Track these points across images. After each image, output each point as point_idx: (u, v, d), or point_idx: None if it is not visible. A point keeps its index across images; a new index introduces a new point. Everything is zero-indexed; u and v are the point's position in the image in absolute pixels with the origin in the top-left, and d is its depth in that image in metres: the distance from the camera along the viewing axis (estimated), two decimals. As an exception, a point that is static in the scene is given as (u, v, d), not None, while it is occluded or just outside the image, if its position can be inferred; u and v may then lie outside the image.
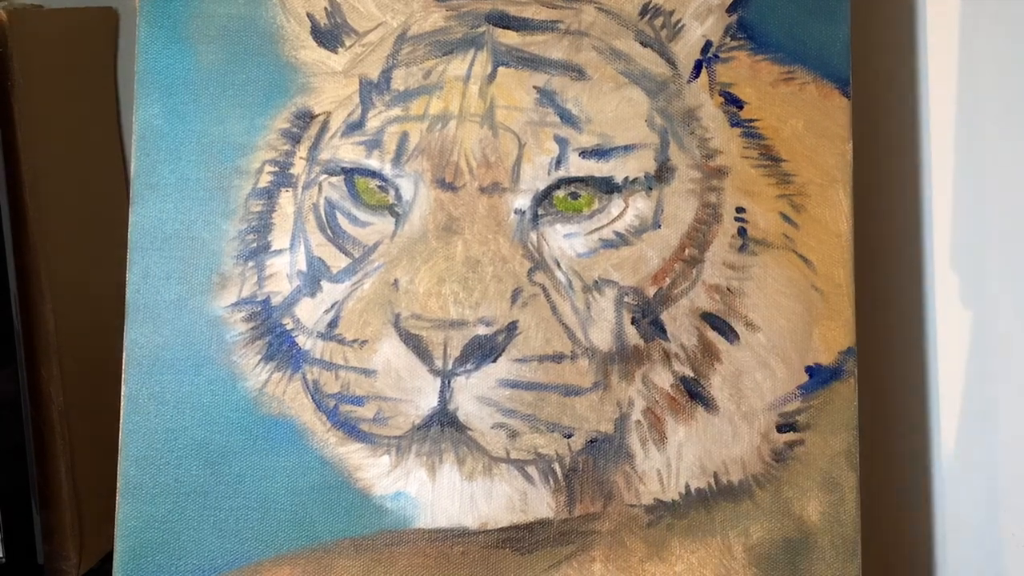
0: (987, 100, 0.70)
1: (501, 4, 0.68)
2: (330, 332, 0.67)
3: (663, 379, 0.67)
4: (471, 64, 0.68)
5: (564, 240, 0.67)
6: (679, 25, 0.68)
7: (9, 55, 0.81)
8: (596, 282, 0.67)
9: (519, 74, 0.67)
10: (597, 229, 0.67)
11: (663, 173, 0.67)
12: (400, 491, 0.67)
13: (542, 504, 0.67)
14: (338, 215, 0.67)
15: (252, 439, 0.67)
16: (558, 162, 0.66)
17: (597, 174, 0.67)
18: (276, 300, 0.68)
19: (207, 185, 0.68)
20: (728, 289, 0.67)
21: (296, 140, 0.68)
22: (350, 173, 0.67)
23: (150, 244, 0.68)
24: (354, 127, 0.68)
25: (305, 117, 0.68)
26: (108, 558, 0.72)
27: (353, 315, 0.66)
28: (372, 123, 0.68)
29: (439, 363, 0.65)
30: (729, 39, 0.69)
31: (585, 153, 0.67)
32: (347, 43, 0.69)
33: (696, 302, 0.67)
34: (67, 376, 0.84)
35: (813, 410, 0.67)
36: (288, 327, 0.67)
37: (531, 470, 0.66)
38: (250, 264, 0.68)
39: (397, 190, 0.67)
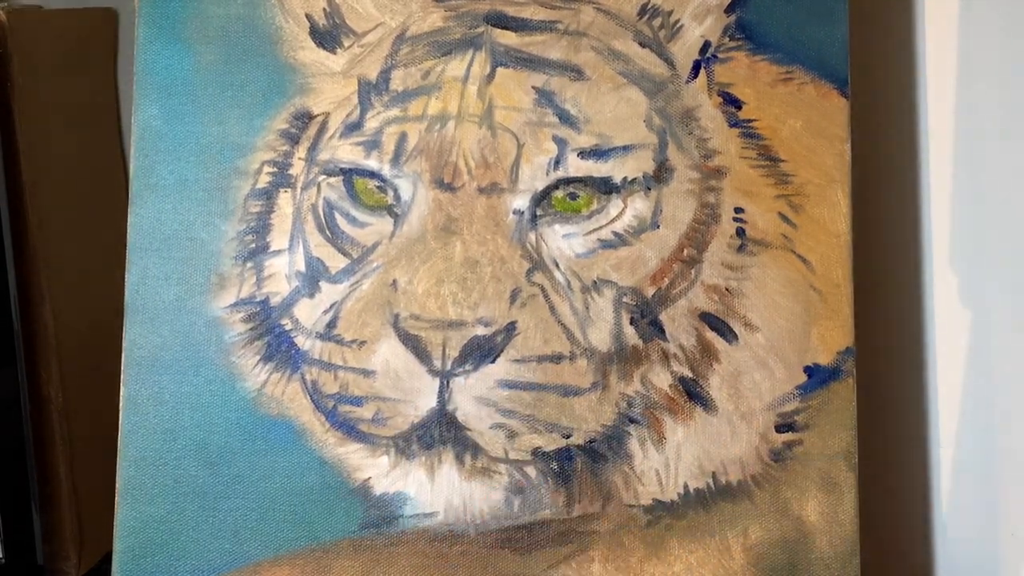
0: (986, 100, 0.70)
1: (499, 4, 0.68)
2: (329, 332, 0.67)
3: (662, 379, 0.67)
4: (470, 64, 0.68)
5: (563, 240, 0.67)
6: (677, 25, 0.68)
7: (9, 55, 0.81)
8: (595, 282, 0.67)
9: (518, 74, 0.67)
10: (596, 229, 0.67)
11: (661, 173, 0.67)
12: (399, 491, 0.67)
13: (541, 504, 0.67)
14: (337, 216, 0.67)
15: (251, 439, 0.67)
16: (556, 162, 0.66)
17: (596, 174, 0.67)
18: (275, 301, 0.68)
19: (206, 186, 0.68)
20: (727, 289, 0.67)
21: (295, 141, 0.68)
22: (349, 174, 0.67)
23: (149, 245, 0.68)
24: (353, 128, 0.68)
25: (304, 118, 0.68)
26: (108, 558, 0.72)
27: (352, 315, 0.66)
28: (371, 124, 0.68)
29: (438, 363, 0.65)
30: (727, 39, 0.69)
31: (583, 153, 0.67)
32: (346, 44, 0.69)
33: (695, 302, 0.67)
34: (67, 376, 0.84)
35: (812, 410, 0.67)
36: (287, 327, 0.67)
37: (530, 470, 0.67)
38: (249, 265, 0.68)
39: (396, 191, 0.67)
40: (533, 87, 0.67)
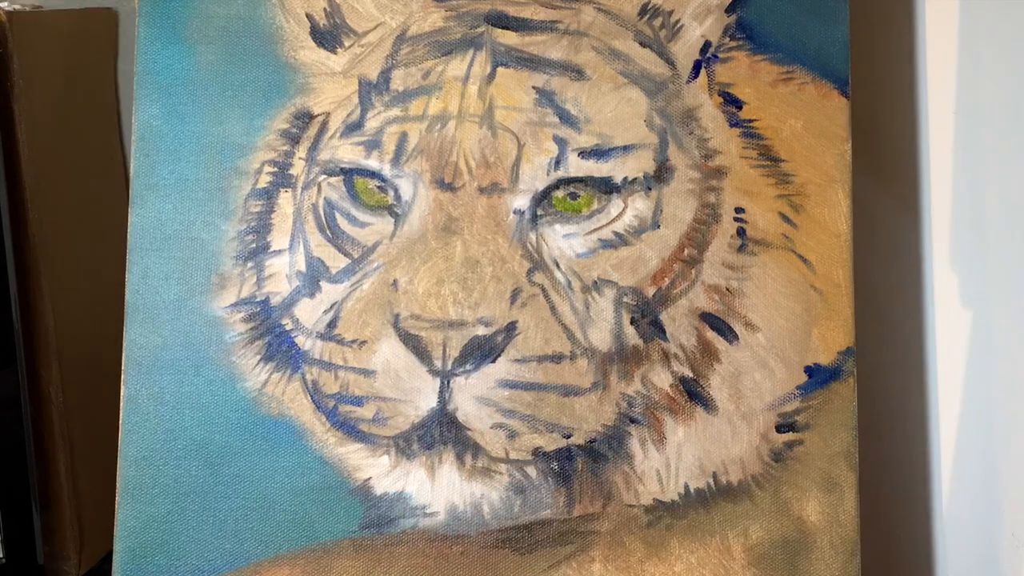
0: (986, 100, 0.70)
1: (500, 4, 0.68)
2: (329, 332, 0.67)
3: (662, 379, 0.67)
4: (470, 64, 0.68)
5: (563, 240, 0.67)
6: (678, 25, 0.68)
7: (9, 55, 0.81)
8: (595, 282, 0.67)
9: (518, 74, 0.67)
10: (596, 229, 0.67)
11: (662, 173, 0.67)
12: (400, 491, 0.67)
13: (541, 504, 0.67)
14: (337, 215, 0.67)
15: (251, 439, 0.67)
16: (557, 162, 0.66)
17: (596, 174, 0.67)
18: (275, 300, 0.68)
19: (206, 186, 0.68)
20: (727, 289, 0.67)
21: (295, 141, 0.68)
22: (349, 173, 0.67)
23: (149, 244, 0.68)
24: (353, 127, 0.68)
25: (304, 118, 0.68)
26: (108, 558, 0.72)
27: (352, 315, 0.66)
28: (371, 123, 0.68)
29: (438, 363, 0.65)
30: (728, 39, 0.69)
31: (584, 153, 0.67)
32: (346, 43, 0.69)
33: (695, 302, 0.67)
34: (67, 376, 0.84)
35: (812, 410, 0.67)
36: (287, 327, 0.67)
37: (530, 470, 0.67)
38: (249, 264, 0.68)
39: (396, 190, 0.67)
40: (533, 87, 0.67)
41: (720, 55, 0.68)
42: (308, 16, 0.69)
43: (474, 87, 0.67)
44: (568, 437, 0.66)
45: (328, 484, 0.67)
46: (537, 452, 0.66)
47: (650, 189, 0.67)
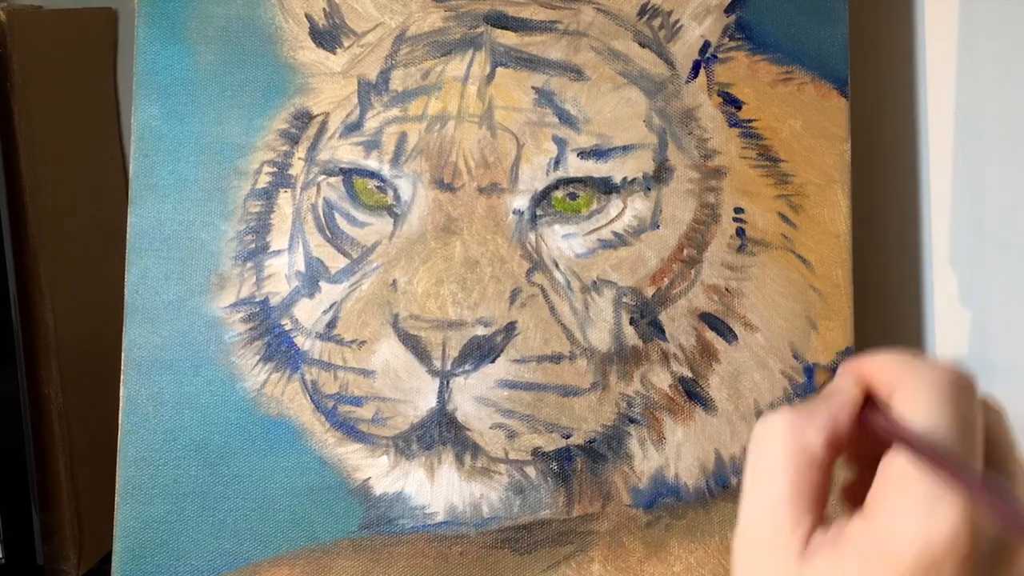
0: (986, 100, 0.70)
1: (499, 4, 0.68)
2: (329, 332, 0.67)
3: (661, 379, 0.67)
4: (469, 64, 0.68)
5: (563, 240, 0.67)
6: (677, 25, 0.68)
7: (9, 55, 0.81)
8: (595, 282, 0.67)
9: (517, 74, 0.67)
10: (596, 229, 0.67)
11: (661, 173, 0.67)
12: (399, 491, 0.67)
13: (540, 504, 0.67)
14: (336, 216, 0.67)
15: (251, 439, 0.67)
16: (556, 162, 0.66)
17: (595, 174, 0.67)
18: (275, 301, 0.68)
19: (206, 186, 0.68)
20: (726, 289, 0.67)
21: (295, 141, 0.68)
22: (348, 174, 0.67)
23: (149, 245, 0.68)
24: (352, 128, 0.68)
25: (304, 118, 0.68)
26: (107, 558, 0.72)
27: (352, 316, 0.66)
28: (370, 124, 0.68)
29: (438, 364, 0.65)
30: (727, 39, 0.69)
31: (583, 153, 0.67)
32: (346, 44, 0.69)
33: (694, 302, 0.67)
34: (67, 376, 0.84)
35: (811, 410, 0.67)
36: (287, 327, 0.67)
37: (530, 470, 0.67)
38: (248, 265, 0.68)
39: (396, 190, 0.67)
40: (533, 87, 0.67)
41: (719, 55, 0.68)
42: (307, 16, 0.69)
43: (473, 87, 0.67)
44: (567, 437, 0.66)
45: (327, 484, 0.67)
46: (536, 452, 0.66)
47: (649, 189, 0.67)
